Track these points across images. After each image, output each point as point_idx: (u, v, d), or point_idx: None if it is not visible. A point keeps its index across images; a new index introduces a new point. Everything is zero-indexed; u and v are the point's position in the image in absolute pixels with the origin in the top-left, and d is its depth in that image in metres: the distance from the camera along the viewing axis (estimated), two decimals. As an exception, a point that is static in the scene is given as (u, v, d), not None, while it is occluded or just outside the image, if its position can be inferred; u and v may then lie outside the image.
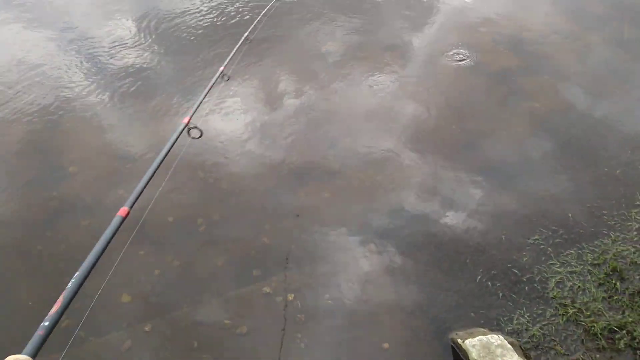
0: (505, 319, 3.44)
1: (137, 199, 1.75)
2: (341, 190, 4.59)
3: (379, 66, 6.18)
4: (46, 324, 1.27)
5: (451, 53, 6.35)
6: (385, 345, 3.41)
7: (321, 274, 3.89)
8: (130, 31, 6.97)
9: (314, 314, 3.62)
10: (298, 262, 3.99)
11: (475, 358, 3.04)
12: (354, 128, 5.27)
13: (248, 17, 7.08)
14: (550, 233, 4.04)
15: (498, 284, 3.66)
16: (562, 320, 3.38)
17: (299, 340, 3.46)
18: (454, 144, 5.06)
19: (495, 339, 3.12)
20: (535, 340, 3.28)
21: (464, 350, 3.13)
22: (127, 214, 1.65)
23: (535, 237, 4.00)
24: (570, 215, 4.18)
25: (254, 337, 3.49)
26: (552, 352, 3.22)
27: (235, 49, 3.62)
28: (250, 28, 4.15)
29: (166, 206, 4.44)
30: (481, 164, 4.78)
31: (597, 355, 3.16)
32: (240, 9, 7.28)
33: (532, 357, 3.21)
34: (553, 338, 3.29)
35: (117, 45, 6.61)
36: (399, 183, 4.59)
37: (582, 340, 3.25)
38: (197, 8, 7.35)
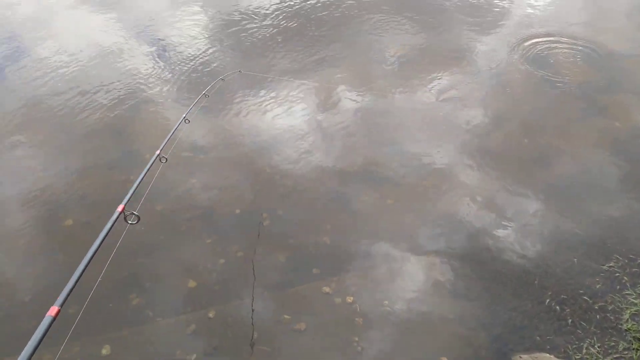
0: (573, 347, 3.29)
1: (67, 297, 1.71)
2: (404, 198, 4.55)
3: (446, 71, 6.06)
4: None
5: (524, 63, 6.13)
6: (443, 359, 3.35)
7: (381, 279, 3.88)
8: (206, 27, 7.23)
9: (372, 318, 3.62)
10: (358, 266, 4.00)
11: (540, 384, 2.94)
12: (418, 134, 5.21)
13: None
14: (627, 261, 3.82)
15: (567, 310, 3.51)
16: (636, 355, 3.19)
17: (355, 344, 3.47)
18: (524, 157, 4.90)
19: (563, 366, 3.00)
20: (605, 372, 3.12)
21: (528, 374, 3.04)
22: (57, 313, 1.63)
23: (611, 264, 3.80)
24: (650, 244, 3.94)
25: (312, 335, 3.54)
26: (623, 387, 3.05)
27: (170, 134, 3.41)
28: (189, 109, 3.99)
29: (234, 198, 4.58)
30: (554, 182, 4.59)
31: (674, 397, 2.96)
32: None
33: (600, 390, 3.06)
34: (625, 373, 3.12)
35: (194, 40, 6.89)
36: (464, 194, 4.49)
37: (658, 379, 3.07)
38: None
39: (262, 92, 5.89)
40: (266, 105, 5.69)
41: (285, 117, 5.52)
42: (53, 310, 1.62)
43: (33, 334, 1.50)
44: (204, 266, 3.99)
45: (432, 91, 5.81)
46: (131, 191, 2.60)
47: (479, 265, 3.88)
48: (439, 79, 5.99)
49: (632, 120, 5.28)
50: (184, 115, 3.76)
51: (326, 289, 3.83)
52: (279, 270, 4.00)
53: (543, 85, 5.80)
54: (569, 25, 6.83)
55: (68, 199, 4.58)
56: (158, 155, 3.16)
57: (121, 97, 5.87)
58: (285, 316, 3.65)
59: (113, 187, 4.66)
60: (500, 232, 4.13)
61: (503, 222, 4.20)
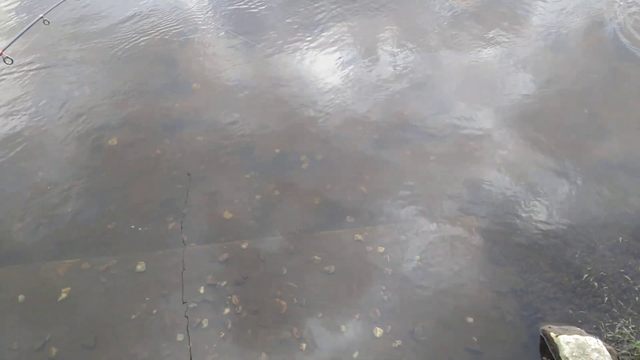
0: (606, 324, 3.21)
1: None
2: (447, 158, 4.38)
3: (500, 31, 5.70)
4: None
5: (604, 32, 5.71)
6: (469, 319, 3.33)
7: (415, 235, 3.83)
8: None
9: (401, 271, 3.61)
10: (393, 218, 3.95)
11: (567, 356, 2.88)
12: (467, 95, 4.97)
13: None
14: (676, 247, 3.64)
15: (605, 287, 3.40)
16: (672, 342, 3.09)
17: (382, 292, 3.49)
18: (581, 131, 4.63)
19: (593, 342, 2.93)
20: (636, 354, 3.03)
21: (556, 344, 2.98)
22: None
23: (658, 248, 3.63)
24: None
25: (340, 278, 3.57)
26: (652, 371, 2.97)
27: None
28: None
29: (274, 138, 4.55)
30: (607, 158, 4.34)
31: None
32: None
33: (628, 370, 2.99)
34: (657, 357, 3.03)
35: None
36: (512, 162, 4.30)
37: (691, 367, 2.97)
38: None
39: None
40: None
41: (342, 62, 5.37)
42: None
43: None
44: (240, 199, 4.03)
45: (479, 50, 5.50)
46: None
47: (517, 233, 3.78)
48: (489, 38, 5.65)
49: None
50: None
51: (359, 237, 3.82)
52: (313, 213, 4.00)
53: (612, 55, 5.39)
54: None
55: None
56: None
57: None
58: (316, 257, 3.67)
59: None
60: (544, 204, 3.97)
61: (548, 195, 4.04)
